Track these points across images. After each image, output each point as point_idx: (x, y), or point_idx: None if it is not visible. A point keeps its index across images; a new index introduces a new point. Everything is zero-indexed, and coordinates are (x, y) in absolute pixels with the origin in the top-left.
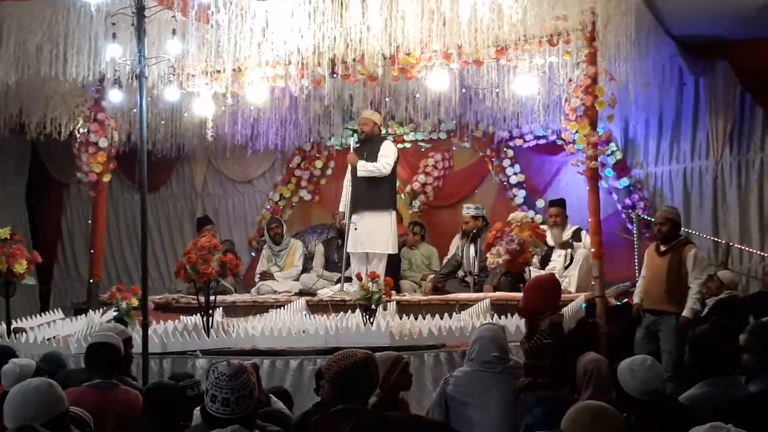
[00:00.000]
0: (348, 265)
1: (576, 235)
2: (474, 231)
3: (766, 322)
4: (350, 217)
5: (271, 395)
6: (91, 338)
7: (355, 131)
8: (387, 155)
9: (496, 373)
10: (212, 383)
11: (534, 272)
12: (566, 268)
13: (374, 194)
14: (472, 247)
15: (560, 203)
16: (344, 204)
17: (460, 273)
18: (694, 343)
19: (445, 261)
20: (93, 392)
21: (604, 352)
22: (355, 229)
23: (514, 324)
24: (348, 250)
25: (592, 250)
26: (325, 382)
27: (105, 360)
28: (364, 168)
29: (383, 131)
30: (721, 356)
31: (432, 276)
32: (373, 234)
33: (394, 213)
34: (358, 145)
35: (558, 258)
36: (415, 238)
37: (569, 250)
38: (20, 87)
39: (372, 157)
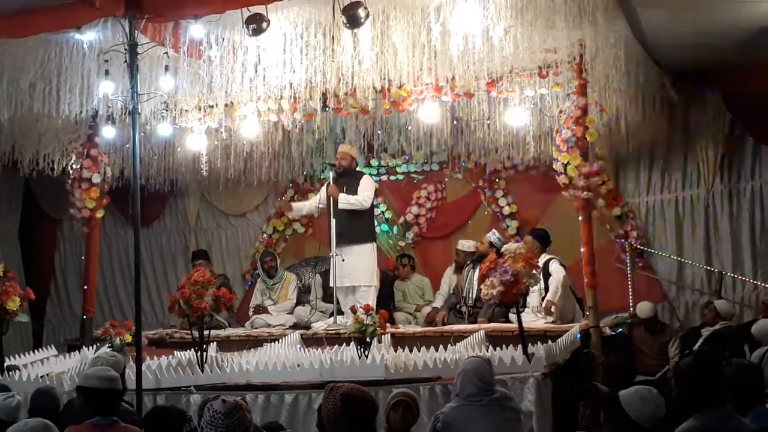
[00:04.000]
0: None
1: (546, 267)
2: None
3: (692, 359)
4: (336, 251)
5: (265, 430)
6: (93, 380)
7: (333, 165)
8: (366, 189)
9: (482, 405)
10: (207, 421)
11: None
12: (543, 299)
13: (356, 228)
14: (475, 273)
15: (533, 233)
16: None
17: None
18: (680, 376)
19: (438, 294)
20: (94, 430)
21: (601, 383)
22: (342, 260)
23: (509, 356)
24: (333, 284)
25: (557, 275)
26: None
27: (109, 405)
28: (346, 201)
29: (375, 163)
30: (708, 388)
31: (441, 306)
32: (357, 267)
33: (375, 245)
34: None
35: (533, 293)
36: (406, 270)
37: (540, 285)
38: (13, 124)
39: (351, 190)
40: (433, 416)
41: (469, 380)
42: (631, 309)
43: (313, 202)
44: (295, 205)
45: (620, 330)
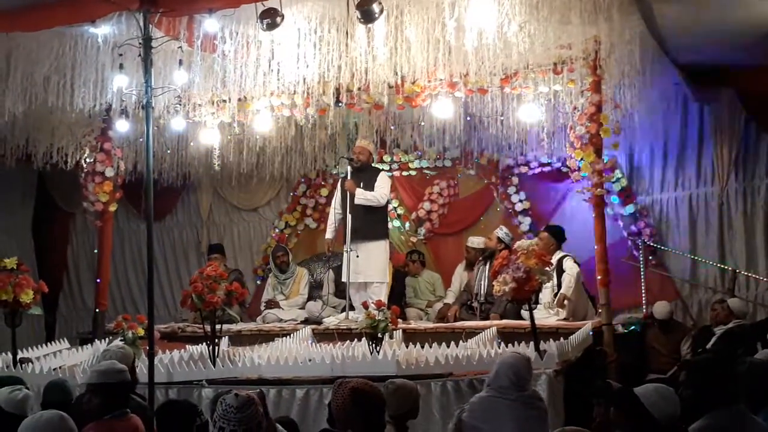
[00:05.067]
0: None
1: (559, 264)
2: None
3: (707, 357)
4: (350, 246)
5: (278, 425)
6: (101, 375)
7: (350, 159)
8: (383, 186)
9: (511, 400)
10: (220, 415)
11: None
12: (555, 296)
13: (371, 224)
14: (486, 269)
15: (549, 229)
16: (332, 231)
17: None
18: (695, 374)
19: (449, 290)
20: (110, 425)
21: (614, 380)
22: (357, 256)
23: (522, 352)
24: (345, 280)
25: (570, 271)
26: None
27: (121, 398)
28: (363, 196)
29: (388, 159)
30: (722, 386)
31: (453, 302)
32: (371, 263)
33: (388, 242)
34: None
35: (546, 290)
36: (416, 266)
37: (553, 282)
38: (27, 117)
39: (368, 186)
40: (461, 405)
41: (504, 373)
42: (645, 309)
43: (331, 223)
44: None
45: (633, 328)
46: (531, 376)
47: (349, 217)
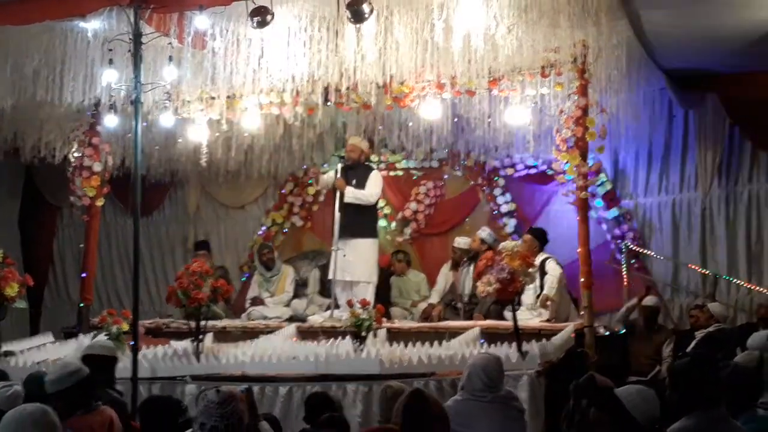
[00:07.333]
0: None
1: (542, 265)
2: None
3: (689, 360)
4: (338, 244)
5: (264, 421)
6: (55, 384)
7: (341, 157)
8: (375, 185)
9: (486, 402)
10: (201, 411)
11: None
12: (538, 297)
13: (361, 222)
14: (471, 270)
15: (532, 232)
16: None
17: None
18: (676, 376)
19: (434, 290)
20: (81, 420)
21: None
22: (344, 255)
23: (504, 353)
24: (333, 278)
25: (553, 272)
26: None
27: (85, 396)
28: (353, 195)
29: (375, 159)
30: (703, 389)
31: (437, 302)
32: (359, 262)
33: (377, 241)
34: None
35: (528, 291)
36: (402, 266)
37: (536, 283)
38: (15, 111)
39: (359, 185)
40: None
41: (476, 375)
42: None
43: (328, 179)
44: (323, 177)
45: (623, 330)
46: (503, 376)
47: (338, 215)
